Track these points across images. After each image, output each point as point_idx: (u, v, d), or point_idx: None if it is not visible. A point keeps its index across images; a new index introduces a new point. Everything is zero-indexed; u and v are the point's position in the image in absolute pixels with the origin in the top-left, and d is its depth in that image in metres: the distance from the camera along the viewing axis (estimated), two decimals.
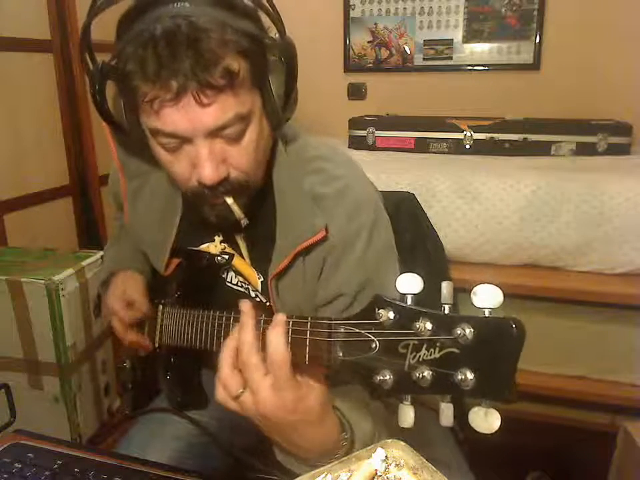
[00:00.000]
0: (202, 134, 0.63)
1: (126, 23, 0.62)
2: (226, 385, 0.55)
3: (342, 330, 0.49)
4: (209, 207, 0.71)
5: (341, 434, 0.58)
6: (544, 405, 1.82)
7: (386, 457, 0.47)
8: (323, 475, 0.47)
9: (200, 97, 0.59)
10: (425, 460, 0.46)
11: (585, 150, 2.01)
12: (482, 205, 1.76)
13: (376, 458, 0.47)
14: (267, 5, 0.65)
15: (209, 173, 0.64)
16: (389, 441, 0.48)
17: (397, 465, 0.47)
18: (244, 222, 0.72)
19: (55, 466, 0.65)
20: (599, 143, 2.00)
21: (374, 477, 0.46)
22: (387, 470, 0.46)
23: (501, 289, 0.41)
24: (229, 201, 0.69)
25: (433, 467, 0.45)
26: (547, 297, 1.72)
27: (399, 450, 0.47)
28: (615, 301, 1.65)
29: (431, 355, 0.43)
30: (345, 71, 2.76)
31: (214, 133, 0.63)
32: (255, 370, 0.52)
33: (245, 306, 0.56)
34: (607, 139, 1.99)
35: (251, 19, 0.64)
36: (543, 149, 2.05)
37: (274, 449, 0.61)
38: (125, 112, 0.67)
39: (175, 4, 0.59)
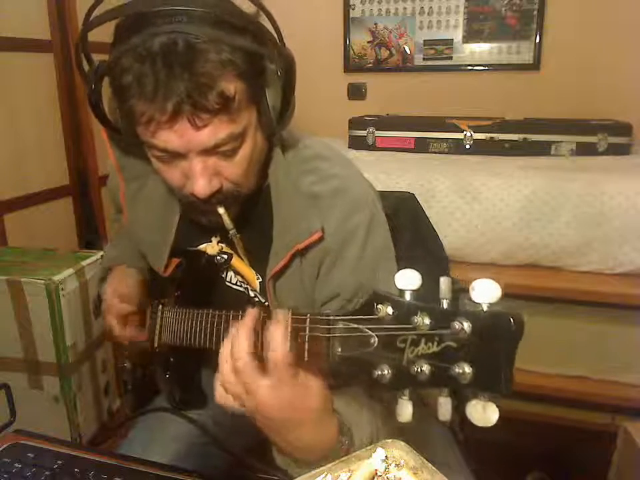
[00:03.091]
0: (195, 152, 0.63)
1: (123, 31, 0.61)
2: (225, 385, 0.55)
3: (341, 326, 0.49)
4: (202, 214, 0.73)
5: (340, 437, 0.57)
6: (544, 405, 1.82)
7: (386, 456, 0.47)
8: (323, 475, 0.47)
9: (194, 119, 0.59)
10: (424, 460, 0.46)
11: (584, 150, 2.01)
12: (482, 205, 1.76)
13: (376, 458, 0.47)
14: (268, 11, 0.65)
15: (202, 187, 0.65)
16: (389, 441, 0.48)
17: (396, 465, 0.47)
18: (233, 232, 0.73)
19: (55, 466, 0.65)
20: (599, 142, 2.00)
21: (374, 477, 0.46)
22: (387, 470, 0.46)
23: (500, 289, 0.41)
24: (221, 211, 0.70)
25: (433, 467, 0.45)
26: (547, 297, 1.72)
27: (399, 450, 0.47)
28: (615, 300, 1.65)
29: (429, 349, 0.43)
30: (345, 71, 2.76)
31: (208, 151, 0.64)
32: (250, 375, 0.52)
33: (249, 311, 0.56)
34: (607, 139, 1.99)
35: (248, 33, 0.63)
36: (542, 149, 2.05)
37: (273, 452, 0.61)
38: (121, 117, 0.67)
39: (173, 18, 0.58)
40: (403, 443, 0.48)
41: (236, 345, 0.54)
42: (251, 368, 0.52)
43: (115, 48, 0.61)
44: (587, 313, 1.72)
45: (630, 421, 1.42)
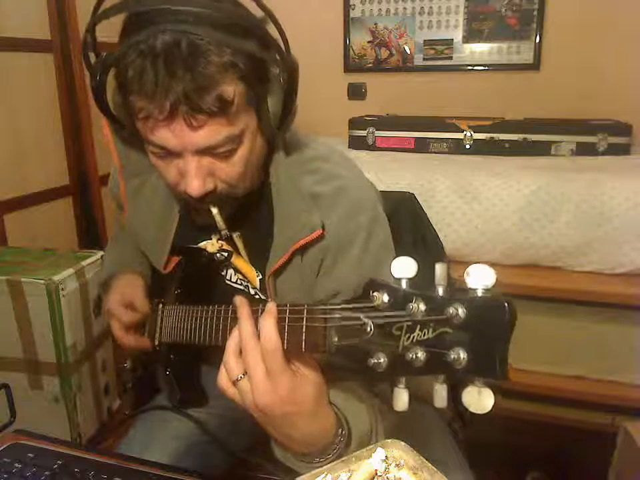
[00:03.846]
0: (191, 151, 0.64)
1: (130, 25, 0.61)
2: (228, 369, 0.56)
3: (337, 315, 0.49)
4: (195, 211, 0.75)
5: (337, 430, 0.57)
6: (544, 405, 1.82)
7: (386, 456, 0.47)
8: (323, 474, 0.47)
9: (190, 120, 0.60)
10: (424, 460, 0.46)
11: (585, 150, 2.01)
12: (482, 205, 1.76)
13: (376, 458, 0.47)
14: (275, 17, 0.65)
15: (195, 186, 0.65)
16: (389, 440, 0.48)
17: (396, 465, 0.47)
18: (224, 233, 0.74)
19: (55, 466, 0.65)
20: (599, 142, 2.00)
21: (374, 477, 0.46)
22: (387, 470, 0.46)
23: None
24: (214, 210, 0.71)
25: (433, 467, 0.46)
26: (547, 297, 1.72)
27: (399, 450, 0.48)
28: (615, 300, 1.65)
29: (424, 335, 0.43)
30: (344, 71, 2.77)
31: (203, 151, 0.64)
32: (253, 353, 0.53)
33: (239, 300, 0.57)
34: (607, 139, 1.99)
35: (253, 36, 0.62)
36: (542, 149, 2.05)
37: (272, 445, 0.61)
38: (123, 110, 0.67)
39: (179, 17, 0.58)
40: (403, 443, 0.48)
41: (240, 330, 0.54)
42: (253, 349, 0.53)
43: (122, 41, 0.61)
44: (586, 312, 1.72)
45: (630, 421, 1.42)
